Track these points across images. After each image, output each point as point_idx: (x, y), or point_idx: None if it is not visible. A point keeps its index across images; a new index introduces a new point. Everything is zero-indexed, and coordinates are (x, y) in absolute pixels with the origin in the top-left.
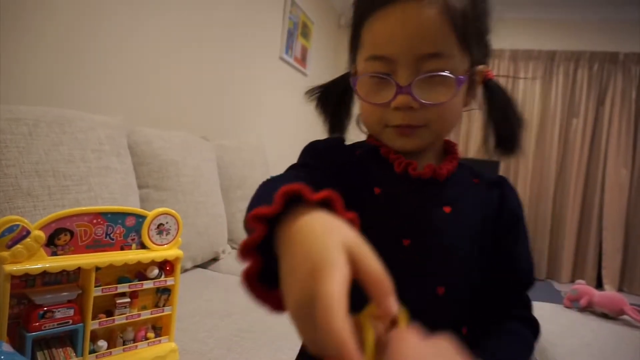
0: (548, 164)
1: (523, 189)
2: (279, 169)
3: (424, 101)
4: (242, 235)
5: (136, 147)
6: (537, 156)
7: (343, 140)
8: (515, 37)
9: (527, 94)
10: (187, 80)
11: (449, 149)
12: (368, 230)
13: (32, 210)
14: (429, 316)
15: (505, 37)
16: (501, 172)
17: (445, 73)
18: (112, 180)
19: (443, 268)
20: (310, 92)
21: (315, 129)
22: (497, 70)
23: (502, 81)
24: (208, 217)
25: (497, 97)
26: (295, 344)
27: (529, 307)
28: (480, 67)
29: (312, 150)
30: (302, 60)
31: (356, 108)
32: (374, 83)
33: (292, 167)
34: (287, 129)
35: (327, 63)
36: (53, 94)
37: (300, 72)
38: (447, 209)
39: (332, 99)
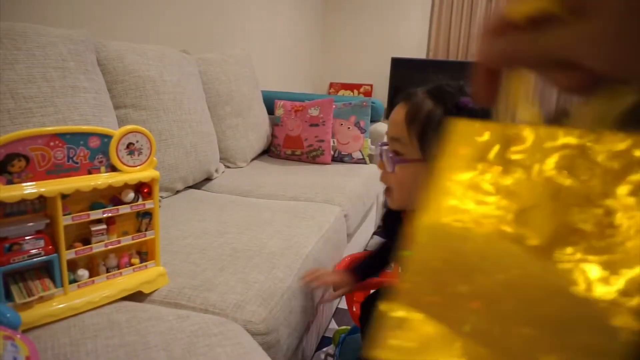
0: None
1: None
2: (269, 82)
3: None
4: (235, 153)
5: (107, 64)
6: None
7: None
8: None
9: None
10: None
11: None
12: None
13: None
14: None
15: None
16: None
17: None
18: (81, 100)
19: None
20: None
21: (308, 36)
22: None
23: None
24: (195, 136)
25: None
26: (291, 261)
27: None
28: None
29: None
30: None
31: None
32: None
33: None
34: (277, 39)
35: None
36: (2, 5)
37: None
38: None
39: None
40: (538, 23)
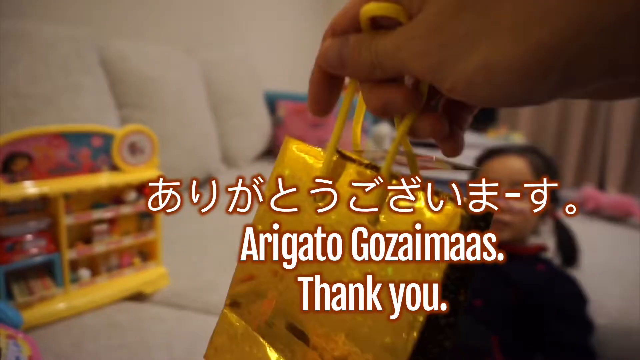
0: None
1: None
2: (272, 81)
3: None
4: (236, 154)
5: (110, 63)
6: None
7: None
8: None
9: None
10: None
11: None
12: None
13: None
14: None
15: None
16: None
17: None
18: (84, 100)
19: None
20: None
21: (313, 37)
22: None
23: None
24: (196, 136)
25: None
26: None
27: None
28: None
29: None
30: None
31: None
32: None
33: None
34: (280, 38)
35: None
36: (4, 3)
37: None
38: None
39: None
40: (381, 27)
